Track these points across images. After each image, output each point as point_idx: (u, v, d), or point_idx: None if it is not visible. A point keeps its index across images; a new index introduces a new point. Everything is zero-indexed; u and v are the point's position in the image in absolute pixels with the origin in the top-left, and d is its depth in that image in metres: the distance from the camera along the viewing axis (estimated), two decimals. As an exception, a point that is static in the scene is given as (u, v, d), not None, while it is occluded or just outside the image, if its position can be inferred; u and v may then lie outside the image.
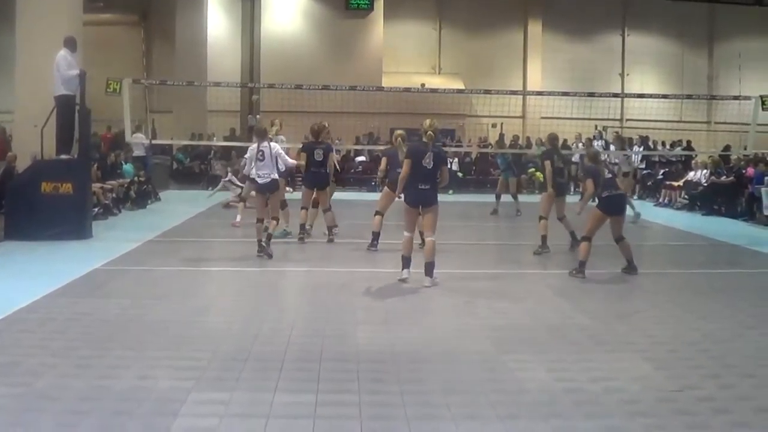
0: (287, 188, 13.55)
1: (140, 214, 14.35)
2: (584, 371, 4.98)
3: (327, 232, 10.80)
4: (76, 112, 10.85)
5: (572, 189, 16.82)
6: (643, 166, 20.83)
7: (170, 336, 5.69)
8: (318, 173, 10.65)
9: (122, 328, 5.89)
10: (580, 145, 20.58)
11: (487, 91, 18.40)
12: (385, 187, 10.10)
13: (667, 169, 20.71)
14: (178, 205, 15.43)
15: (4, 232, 10.20)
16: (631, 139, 21.11)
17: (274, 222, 9.51)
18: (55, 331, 5.73)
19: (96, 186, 12.62)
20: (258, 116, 18.90)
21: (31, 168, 10.94)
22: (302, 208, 10.75)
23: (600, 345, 5.68)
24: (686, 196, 17.04)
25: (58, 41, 10.77)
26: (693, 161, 18.38)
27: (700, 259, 10.56)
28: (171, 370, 4.80)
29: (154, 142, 18.77)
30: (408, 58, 27.04)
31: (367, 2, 25.58)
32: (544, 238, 10.08)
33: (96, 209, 12.21)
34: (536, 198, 14.16)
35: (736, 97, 18.22)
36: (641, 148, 21.03)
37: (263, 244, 9.24)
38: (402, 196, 7.91)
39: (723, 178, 16.25)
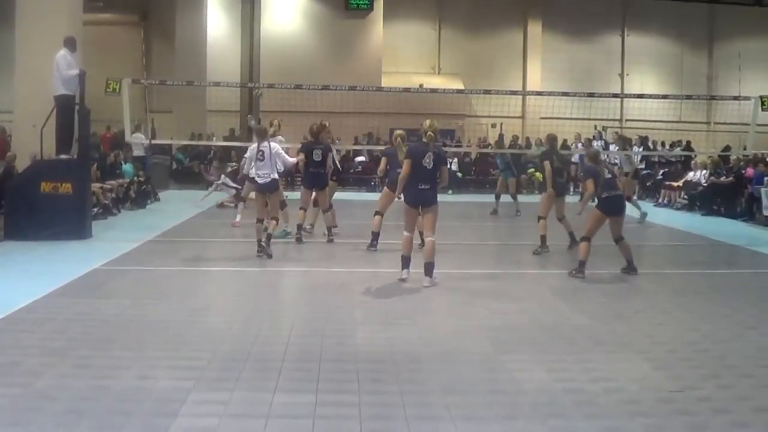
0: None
1: (140, 214, 14.35)
2: (584, 371, 4.98)
3: (326, 232, 10.81)
4: (76, 112, 10.85)
5: (572, 189, 16.84)
6: (643, 166, 20.83)
7: (170, 336, 5.69)
8: (317, 173, 10.65)
9: (122, 328, 5.89)
10: (580, 145, 20.59)
11: (487, 92, 18.40)
12: (385, 187, 10.11)
13: (666, 170, 20.72)
14: (178, 205, 15.42)
15: (4, 232, 10.19)
16: (630, 139, 21.10)
17: (274, 222, 9.51)
18: (55, 331, 5.73)
19: (95, 186, 12.62)
20: (249, 116, 18.95)
21: (30, 168, 10.93)
22: (300, 208, 10.75)
23: (599, 345, 5.68)
24: (686, 197, 17.05)
25: (58, 41, 10.76)
26: (692, 161, 18.39)
27: (699, 260, 10.56)
28: (170, 370, 4.81)
29: (153, 142, 18.73)
30: (407, 58, 27.04)
31: (366, 2, 25.58)
32: (543, 238, 10.09)
33: (95, 209, 12.21)
34: (536, 198, 14.20)
35: (735, 98, 18.24)
36: (641, 149, 21.02)
37: (263, 244, 9.25)
38: (402, 196, 7.91)
39: (722, 178, 16.26)
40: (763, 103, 12.69)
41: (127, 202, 14.72)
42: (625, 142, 16.07)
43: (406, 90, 16.54)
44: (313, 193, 10.76)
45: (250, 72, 23.69)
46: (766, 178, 14.52)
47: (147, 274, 8.41)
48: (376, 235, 9.98)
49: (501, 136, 21.17)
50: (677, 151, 22.00)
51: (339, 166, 11.75)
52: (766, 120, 13.50)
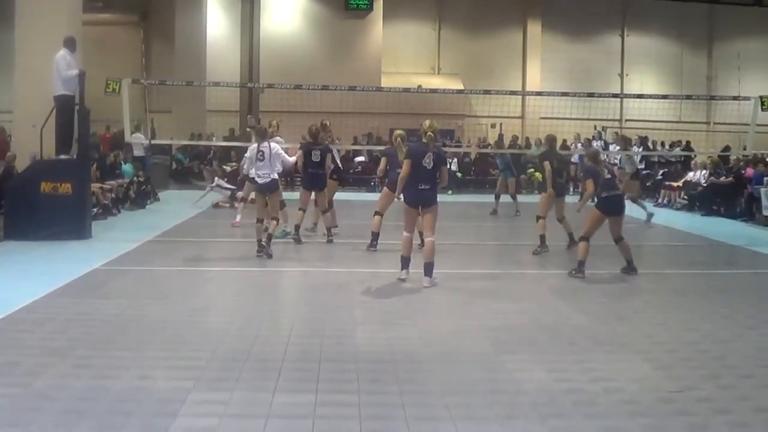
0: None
1: (139, 214, 14.34)
2: (583, 372, 4.98)
3: (326, 233, 10.81)
4: (76, 112, 10.84)
5: (572, 189, 16.84)
6: (643, 166, 20.82)
7: (170, 336, 5.69)
8: (315, 174, 10.65)
9: (121, 328, 5.88)
10: (579, 145, 20.59)
11: (487, 92, 18.39)
12: (385, 188, 10.11)
13: (666, 170, 20.73)
14: (178, 205, 15.41)
15: (4, 232, 10.19)
16: (631, 139, 21.10)
17: (274, 222, 9.51)
18: (55, 331, 5.73)
19: (95, 186, 12.62)
20: (249, 116, 18.99)
21: (30, 168, 10.93)
22: (299, 209, 10.75)
23: (599, 345, 5.68)
24: (685, 197, 17.05)
25: (58, 41, 10.76)
26: (692, 162, 18.39)
27: (699, 260, 10.56)
28: (170, 370, 4.81)
29: (153, 142, 18.73)
30: (407, 59, 27.03)
31: (366, 2, 25.58)
32: (542, 237, 10.09)
33: (95, 209, 12.20)
34: (535, 198, 14.18)
35: (735, 98, 18.23)
36: (640, 149, 21.02)
37: (263, 244, 9.25)
38: (402, 196, 7.91)
39: (722, 178, 16.26)
40: (762, 103, 12.68)
41: (127, 202, 14.72)
42: (626, 143, 16.06)
43: (406, 90, 16.54)
44: (312, 194, 10.77)
45: (249, 72, 23.66)
46: (765, 179, 14.53)
47: (147, 274, 8.41)
48: (375, 236, 9.97)
49: (501, 136, 21.19)
50: (677, 151, 21.99)
51: (340, 165, 11.74)
52: (765, 120, 13.48)
